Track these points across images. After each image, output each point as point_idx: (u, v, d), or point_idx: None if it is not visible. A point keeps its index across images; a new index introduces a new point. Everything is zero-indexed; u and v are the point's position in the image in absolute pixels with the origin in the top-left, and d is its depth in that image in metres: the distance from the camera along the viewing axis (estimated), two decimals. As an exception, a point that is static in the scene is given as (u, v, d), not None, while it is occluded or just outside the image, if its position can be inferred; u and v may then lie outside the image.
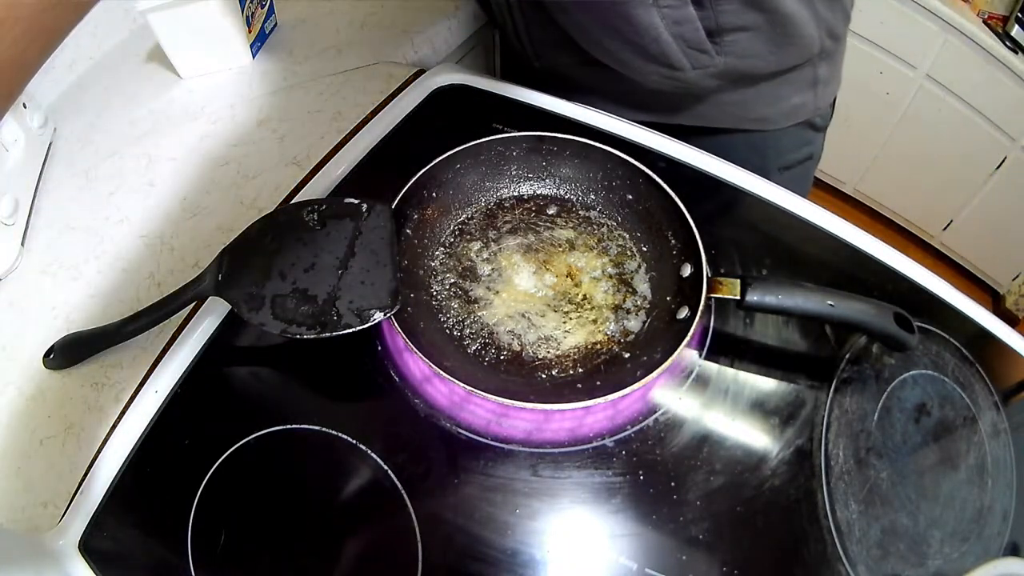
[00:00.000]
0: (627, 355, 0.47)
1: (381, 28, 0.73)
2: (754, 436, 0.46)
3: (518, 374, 0.47)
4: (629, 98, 0.68)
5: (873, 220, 1.77)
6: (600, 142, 0.54)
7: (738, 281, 0.45)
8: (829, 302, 0.44)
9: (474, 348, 0.48)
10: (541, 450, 0.44)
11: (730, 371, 0.49)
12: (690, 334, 0.43)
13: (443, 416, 0.45)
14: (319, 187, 0.57)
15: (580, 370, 0.47)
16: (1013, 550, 0.45)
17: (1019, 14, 1.46)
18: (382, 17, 0.74)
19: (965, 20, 1.43)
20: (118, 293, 0.51)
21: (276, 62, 0.69)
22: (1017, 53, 1.41)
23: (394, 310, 0.44)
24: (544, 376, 0.47)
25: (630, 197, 0.54)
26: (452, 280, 0.51)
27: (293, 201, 0.56)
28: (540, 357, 0.48)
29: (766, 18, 0.58)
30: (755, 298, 0.45)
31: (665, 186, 0.51)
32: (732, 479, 0.44)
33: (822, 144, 0.76)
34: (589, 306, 0.50)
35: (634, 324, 0.49)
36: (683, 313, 0.46)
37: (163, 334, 0.48)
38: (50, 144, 0.62)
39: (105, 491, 0.42)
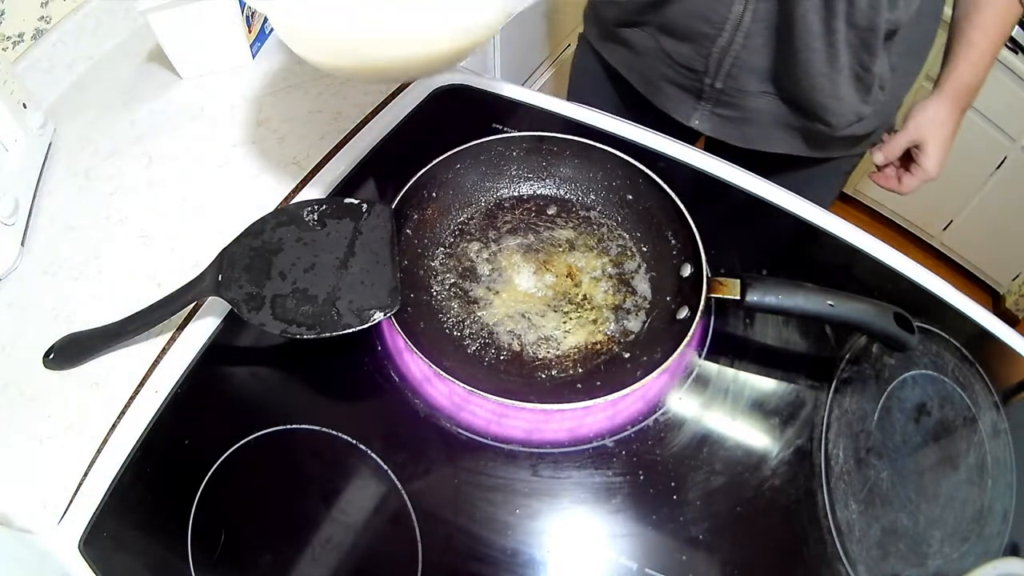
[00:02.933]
0: (627, 355, 0.47)
1: (381, 28, 0.73)
2: (754, 436, 0.46)
3: (518, 374, 0.47)
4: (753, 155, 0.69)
5: (873, 220, 1.76)
6: (600, 142, 0.54)
7: (738, 281, 0.45)
8: (829, 302, 0.44)
9: (474, 348, 0.48)
10: (541, 450, 0.44)
11: (730, 371, 0.49)
12: (690, 334, 0.43)
13: (443, 416, 0.45)
14: (319, 187, 0.57)
15: (580, 370, 0.47)
16: (1013, 550, 0.45)
17: (1019, 14, 1.46)
18: (382, 17, 0.74)
19: (965, 20, 1.43)
20: (118, 293, 0.51)
21: (276, 62, 0.69)
22: (1017, 53, 1.41)
23: (394, 310, 0.44)
24: (544, 376, 0.47)
25: (630, 197, 0.54)
26: (452, 280, 0.51)
27: (293, 201, 0.56)
28: (540, 357, 0.48)
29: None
30: (755, 298, 0.45)
31: (665, 186, 0.51)
32: (732, 479, 0.44)
33: None
34: (589, 306, 0.50)
35: (634, 324, 0.49)
36: (683, 313, 0.46)
37: (163, 334, 0.48)
38: (50, 144, 0.62)
39: (105, 491, 0.42)
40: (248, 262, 0.46)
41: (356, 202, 0.49)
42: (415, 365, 0.48)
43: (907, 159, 0.67)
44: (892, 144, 0.66)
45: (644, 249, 0.53)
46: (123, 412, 0.45)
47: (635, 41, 0.68)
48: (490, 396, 0.41)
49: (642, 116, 0.68)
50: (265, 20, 0.70)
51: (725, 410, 0.47)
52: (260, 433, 0.44)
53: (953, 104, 0.63)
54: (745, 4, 0.57)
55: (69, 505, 0.42)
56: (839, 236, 0.58)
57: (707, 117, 0.68)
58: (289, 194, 0.57)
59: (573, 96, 0.85)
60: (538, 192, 0.57)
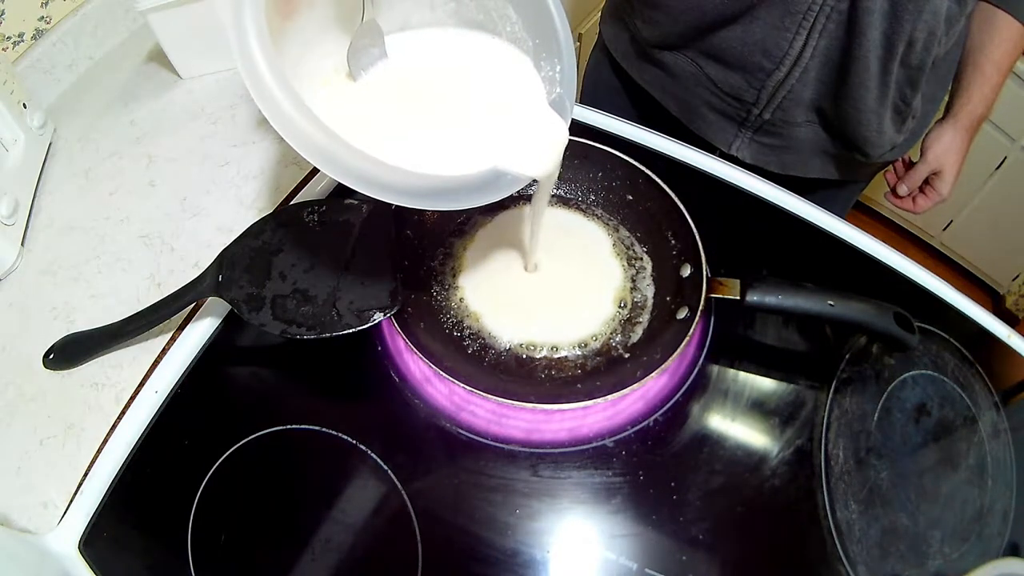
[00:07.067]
0: (627, 355, 0.47)
1: (381, 28, 0.73)
2: (754, 436, 0.46)
3: (518, 374, 0.47)
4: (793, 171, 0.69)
5: (873, 220, 1.76)
6: (600, 142, 0.54)
7: (738, 281, 0.45)
8: (829, 302, 0.44)
9: (474, 348, 0.48)
10: (541, 450, 0.44)
11: (730, 371, 0.49)
12: (690, 334, 0.43)
13: (443, 416, 0.45)
14: (319, 187, 0.57)
15: (580, 370, 0.47)
16: (1013, 550, 0.45)
17: (1019, 14, 1.45)
18: (382, 17, 0.74)
19: (965, 20, 1.42)
20: (118, 293, 0.51)
21: (276, 62, 0.69)
22: (1017, 53, 1.41)
23: (394, 310, 0.44)
24: (544, 376, 0.47)
25: (630, 197, 0.54)
26: (452, 280, 0.51)
27: (293, 201, 0.56)
28: (540, 357, 0.48)
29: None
30: (755, 298, 0.45)
31: (665, 186, 0.51)
32: (732, 479, 0.44)
33: None
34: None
35: (634, 324, 0.49)
36: (683, 313, 0.46)
37: (163, 334, 0.48)
38: (50, 144, 0.62)
39: (105, 491, 0.42)
40: (248, 263, 0.46)
41: (356, 202, 0.49)
42: (415, 365, 0.48)
43: (922, 182, 0.70)
44: (914, 175, 0.69)
45: (644, 249, 0.53)
46: (123, 412, 0.45)
47: (672, 64, 0.66)
48: (490, 396, 0.41)
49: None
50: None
51: (725, 410, 0.47)
52: (260, 433, 0.44)
53: (967, 133, 0.65)
54: (806, 40, 0.56)
55: (69, 505, 0.42)
56: (839, 236, 0.58)
57: (747, 145, 0.68)
58: (289, 194, 0.57)
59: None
60: (538, 192, 0.57)
